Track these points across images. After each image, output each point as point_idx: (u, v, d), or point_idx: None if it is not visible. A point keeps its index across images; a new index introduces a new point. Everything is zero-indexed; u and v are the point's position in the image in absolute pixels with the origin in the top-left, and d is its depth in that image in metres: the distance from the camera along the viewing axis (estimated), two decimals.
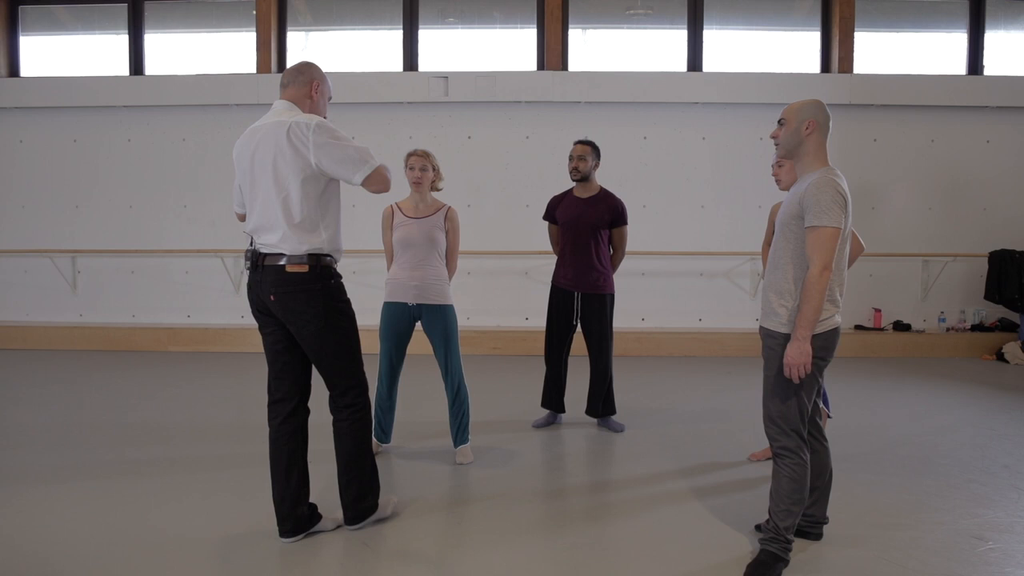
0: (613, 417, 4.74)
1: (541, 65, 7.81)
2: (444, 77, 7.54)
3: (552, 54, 7.69)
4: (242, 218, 3.10)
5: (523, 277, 7.70)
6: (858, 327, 7.65)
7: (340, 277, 2.96)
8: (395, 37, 7.94)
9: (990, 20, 7.83)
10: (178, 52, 8.13)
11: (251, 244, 2.92)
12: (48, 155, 7.90)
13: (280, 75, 8.00)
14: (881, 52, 7.89)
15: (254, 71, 7.78)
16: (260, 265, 2.85)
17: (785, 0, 8.06)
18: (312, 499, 3.11)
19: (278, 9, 7.86)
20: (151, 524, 3.18)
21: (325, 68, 3.10)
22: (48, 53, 8.22)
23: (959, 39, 7.91)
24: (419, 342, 4.09)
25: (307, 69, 2.98)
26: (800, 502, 2.76)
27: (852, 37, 7.61)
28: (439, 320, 3.96)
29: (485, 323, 7.62)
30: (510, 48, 7.97)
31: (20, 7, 8.09)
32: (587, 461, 4.27)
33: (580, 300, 4.61)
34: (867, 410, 5.26)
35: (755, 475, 3.86)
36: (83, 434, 4.56)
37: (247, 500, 3.43)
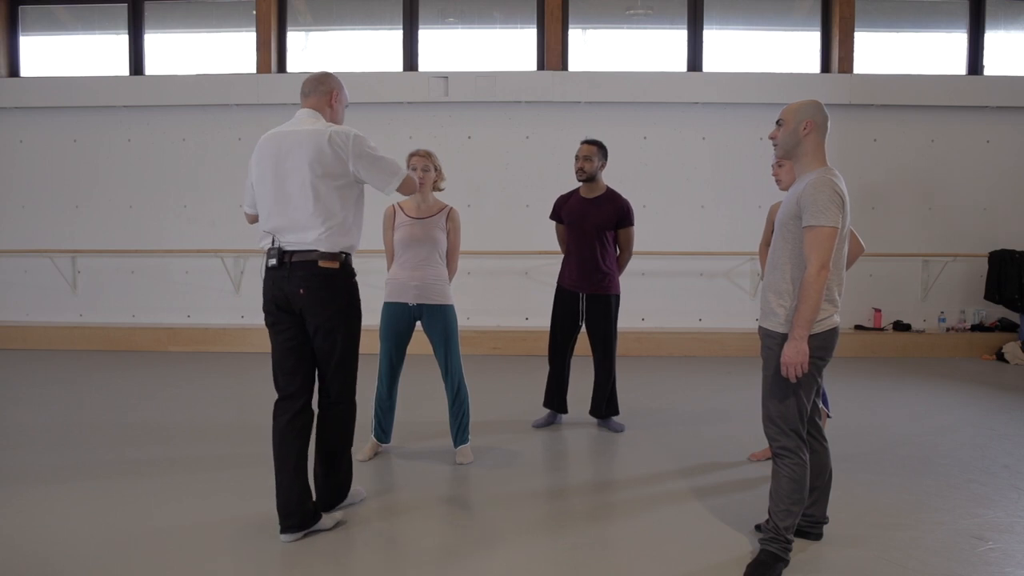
0: (614, 417, 4.74)
1: (541, 65, 7.81)
2: (444, 77, 7.54)
3: (552, 54, 7.70)
4: (251, 218, 3.25)
5: (523, 277, 7.70)
6: (858, 327, 7.65)
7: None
8: (395, 37, 7.94)
9: (990, 20, 7.83)
10: (178, 52, 8.14)
11: (273, 243, 3.03)
12: (48, 155, 7.90)
13: (281, 76, 8.02)
14: (881, 52, 7.89)
15: (254, 71, 7.78)
16: (288, 262, 2.98)
17: (785, 0, 8.06)
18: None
19: (278, 9, 7.86)
20: (151, 524, 3.18)
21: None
22: (48, 53, 8.22)
23: (959, 39, 7.91)
24: (419, 342, 4.08)
25: (326, 80, 3.15)
26: (800, 502, 2.76)
27: (852, 37, 7.61)
28: (439, 320, 3.96)
29: (485, 323, 7.62)
30: (510, 48, 7.97)
31: (20, 7, 8.09)
32: (587, 461, 4.27)
33: (585, 301, 4.61)
34: (867, 410, 5.27)
35: (755, 475, 3.86)
36: (83, 434, 4.56)
37: (247, 500, 3.43)
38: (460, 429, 4.06)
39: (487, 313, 7.66)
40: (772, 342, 2.76)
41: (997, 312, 7.71)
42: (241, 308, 7.75)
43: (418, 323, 4.02)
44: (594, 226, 4.56)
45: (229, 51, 8.11)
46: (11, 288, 7.95)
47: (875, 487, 3.69)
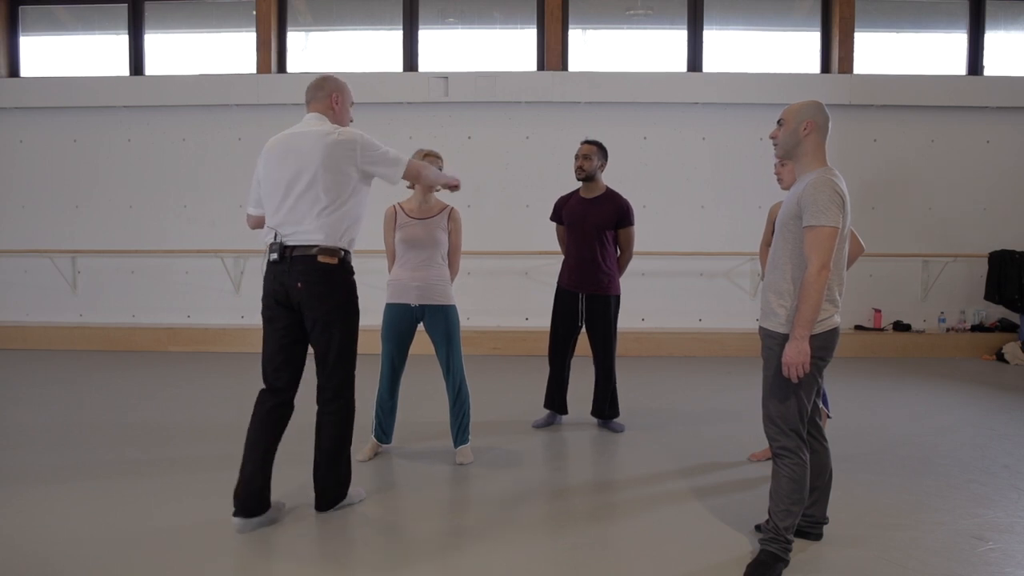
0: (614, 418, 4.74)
1: (541, 65, 7.81)
2: (444, 77, 7.54)
3: (552, 54, 7.70)
4: (252, 221, 3.33)
5: (523, 277, 7.70)
6: (858, 327, 7.66)
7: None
8: (395, 37, 7.94)
9: (990, 20, 7.83)
10: (178, 52, 8.14)
11: (275, 238, 3.11)
12: (48, 155, 7.90)
13: (281, 76, 8.02)
14: (881, 52, 7.90)
15: (254, 71, 7.78)
16: (288, 256, 3.06)
17: (785, 0, 8.06)
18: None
19: (278, 9, 7.86)
20: (151, 524, 3.18)
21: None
22: (48, 53, 8.22)
23: (959, 39, 7.91)
24: (420, 342, 4.09)
25: (324, 84, 3.23)
26: (800, 502, 2.76)
27: (852, 37, 7.61)
28: (441, 320, 3.96)
29: (485, 323, 7.62)
30: (510, 48, 7.97)
31: (20, 7, 8.09)
32: (587, 461, 4.27)
33: (585, 301, 4.60)
34: (867, 410, 5.27)
35: (755, 475, 3.86)
36: (83, 434, 4.56)
37: None
38: (460, 429, 4.06)
39: (487, 313, 7.66)
40: (773, 342, 2.76)
41: (997, 312, 7.71)
42: (241, 308, 7.75)
43: (419, 323, 4.02)
44: (594, 226, 4.56)
45: (229, 51, 8.11)
46: (11, 288, 7.95)
47: (875, 487, 3.69)
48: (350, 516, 3.28)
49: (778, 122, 2.82)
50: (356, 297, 3.20)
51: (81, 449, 4.23)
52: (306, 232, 3.05)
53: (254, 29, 7.84)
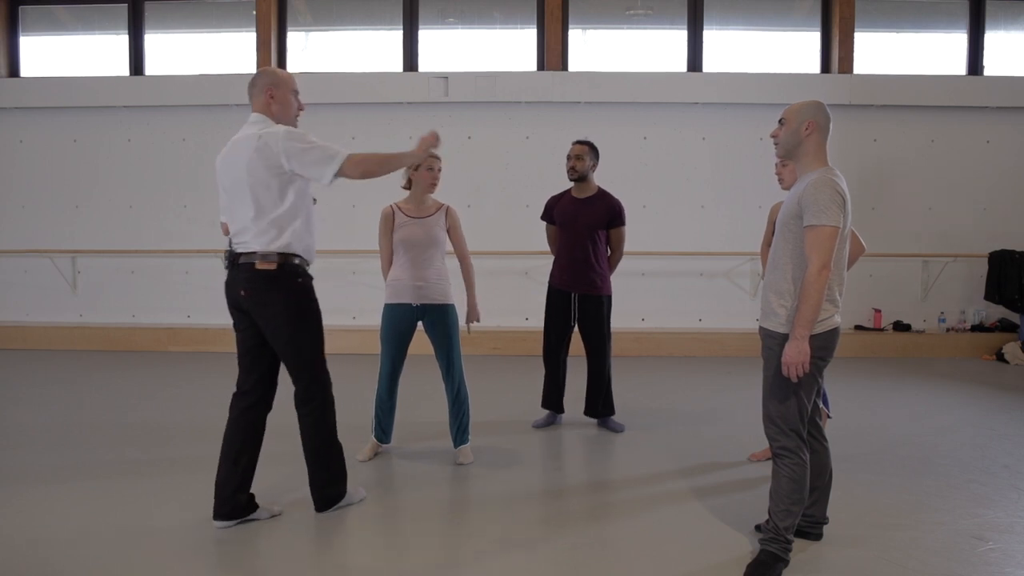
0: (613, 417, 4.74)
1: (541, 65, 7.81)
2: (444, 77, 7.54)
3: (552, 54, 7.69)
4: (224, 229, 3.29)
5: (523, 277, 7.70)
6: (858, 327, 7.65)
7: (310, 278, 3.16)
8: (395, 37, 7.94)
9: (990, 20, 7.83)
10: (178, 52, 8.14)
11: (229, 245, 3.14)
12: (48, 155, 7.90)
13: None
14: (881, 52, 7.90)
15: (254, 71, 7.76)
16: (235, 264, 3.08)
17: (785, 0, 8.06)
18: (274, 494, 3.26)
19: (278, 9, 7.86)
20: (151, 524, 3.18)
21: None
22: (48, 53, 8.23)
23: (959, 39, 7.91)
24: (419, 342, 4.08)
25: (259, 79, 3.14)
26: (800, 502, 2.76)
27: (852, 37, 7.61)
28: (441, 320, 3.96)
29: (485, 323, 7.51)
30: (510, 48, 7.97)
31: (20, 7, 8.09)
32: (587, 461, 4.27)
33: (577, 301, 4.60)
34: (867, 410, 5.27)
35: (755, 475, 3.85)
36: (83, 434, 4.56)
37: None
38: (460, 429, 4.06)
39: (487, 313, 7.52)
40: (773, 342, 2.76)
41: (997, 312, 7.71)
42: None
43: (418, 323, 4.02)
44: (585, 226, 4.56)
45: (229, 51, 8.11)
46: (11, 288, 7.95)
47: (875, 487, 3.69)
48: (350, 516, 3.28)
49: (779, 121, 2.82)
50: (308, 298, 3.12)
51: (81, 449, 4.23)
52: (246, 241, 3.04)
53: (254, 29, 7.84)
